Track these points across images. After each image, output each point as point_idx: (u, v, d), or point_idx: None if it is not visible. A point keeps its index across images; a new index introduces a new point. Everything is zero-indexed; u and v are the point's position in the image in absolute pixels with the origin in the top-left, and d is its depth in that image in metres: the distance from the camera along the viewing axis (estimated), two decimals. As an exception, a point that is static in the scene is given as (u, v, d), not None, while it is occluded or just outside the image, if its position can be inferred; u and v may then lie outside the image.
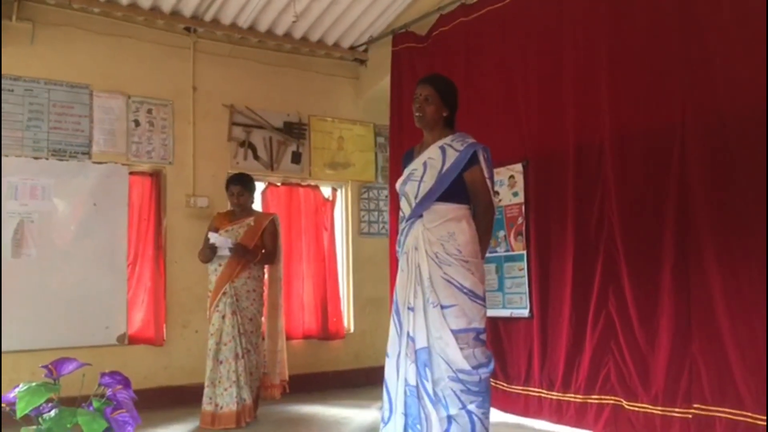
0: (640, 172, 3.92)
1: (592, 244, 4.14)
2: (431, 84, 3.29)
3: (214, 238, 4.73)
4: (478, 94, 4.98)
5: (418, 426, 3.06)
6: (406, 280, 3.18)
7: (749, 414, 3.31)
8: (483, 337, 3.16)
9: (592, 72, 4.20)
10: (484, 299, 3.17)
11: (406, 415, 3.09)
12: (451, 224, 3.14)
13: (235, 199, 4.94)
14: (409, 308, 3.13)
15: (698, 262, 3.58)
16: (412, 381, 3.08)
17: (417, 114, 3.28)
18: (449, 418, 3.04)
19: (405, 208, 3.29)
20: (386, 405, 3.21)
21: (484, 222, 3.25)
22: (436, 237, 3.12)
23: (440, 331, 3.05)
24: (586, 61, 4.26)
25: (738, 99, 3.48)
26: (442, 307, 3.06)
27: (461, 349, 3.04)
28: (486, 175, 3.21)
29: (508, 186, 4.77)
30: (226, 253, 4.70)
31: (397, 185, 3.37)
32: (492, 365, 3.14)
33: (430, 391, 3.04)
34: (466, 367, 3.03)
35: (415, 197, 3.22)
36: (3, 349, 4.78)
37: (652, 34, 3.91)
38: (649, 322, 3.80)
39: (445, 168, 3.17)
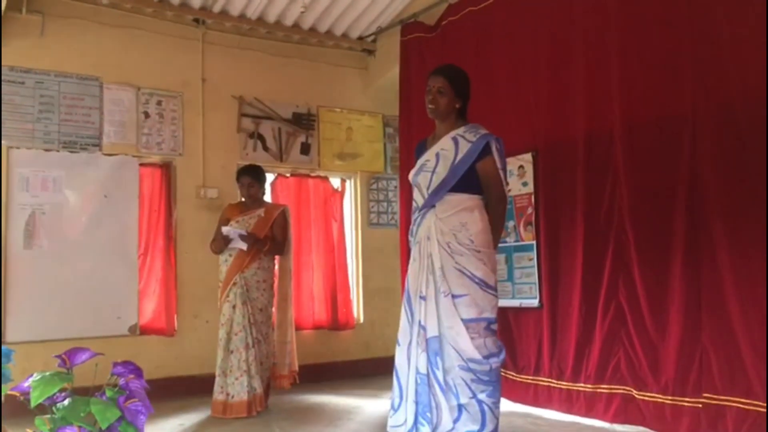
0: (650, 161, 3.90)
1: (602, 233, 4.13)
2: (444, 75, 3.28)
3: (226, 230, 4.75)
4: (488, 83, 4.95)
5: (429, 414, 3.08)
6: (418, 270, 3.19)
7: (760, 403, 3.30)
8: (494, 327, 3.18)
9: (602, 61, 4.17)
10: (495, 289, 3.18)
11: (417, 403, 3.11)
12: (463, 214, 3.15)
13: (245, 190, 4.96)
14: (420, 297, 3.15)
15: (709, 252, 3.56)
16: (423, 369, 3.10)
17: (430, 106, 3.29)
18: (460, 406, 3.05)
19: (418, 199, 3.30)
20: (396, 392, 3.23)
21: (497, 212, 3.26)
22: (449, 227, 3.13)
23: (451, 321, 3.07)
24: (596, 50, 4.23)
25: (748, 87, 3.45)
26: (454, 297, 3.08)
27: (472, 338, 3.06)
28: (499, 165, 3.22)
29: (518, 176, 4.76)
30: (239, 245, 4.72)
31: (410, 176, 3.38)
32: (503, 355, 3.16)
33: (441, 380, 3.06)
34: (477, 356, 3.05)
35: (428, 188, 3.23)
36: (16, 340, 4.82)
37: (662, 23, 3.88)
38: (660, 312, 3.79)
39: (457, 159, 3.18)
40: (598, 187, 4.17)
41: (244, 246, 4.71)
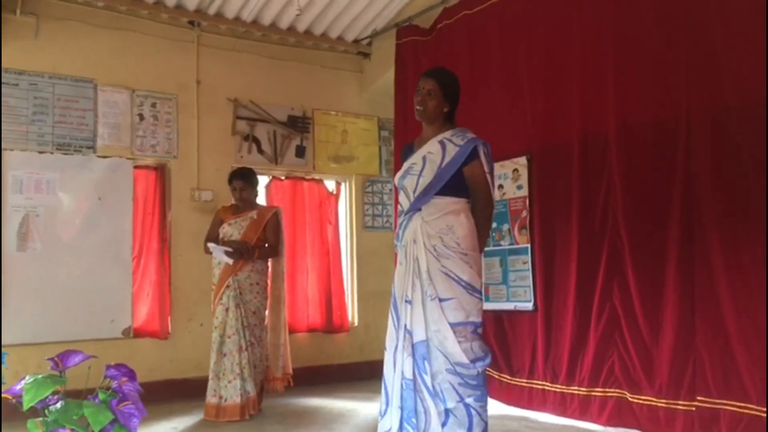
0: (645, 164, 3.91)
1: (597, 237, 4.14)
2: (435, 78, 3.28)
3: (211, 247, 4.75)
4: (483, 87, 4.96)
5: (414, 419, 3.05)
6: (404, 273, 3.18)
7: (754, 407, 3.30)
8: (480, 330, 3.17)
9: (598, 64, 4.19)
10: (481, 293, 3.18)
11: (402, 408, 3.08)
12: (449, 217, 3.14)
13: (237, 194, 4.95)
14: (406, 301, 3.13)
15: (703, 255, 3.57)
16: (409, 374, 3.08)
17: (418, 107, 3.28)
18: (447, 411, 3.03)
19: (404, 202, 3.29)
20: (383, 398, 3.21)
21: (483, 216, 3.25)
22: (435, 230, 3.12)
23: (438, 324, 3.06)
24: (591, 53, 4.25)
25: (743, 91, 3.47)
26: (441, 300, 3.06)
27: (459, 342, 3.04)
28: (486, 170, 3.21)
29: (512, 179, 4.76)
30: (225, 259, 4.71)
31: (396, 179, 3.37)
32: (489, 359, 3.15)
33: (429, 385, 3.04)
34: (464, 360, 3.04)
35: (414, 191, 3.22)
36: (9, 342, 4.80)
37: (658, 26, 3.89)
38: (654, 315, 3.80)
39: (444, 163, 3.17)
40: (593, 191, 4.18)
41: (230, 261, 4.70)
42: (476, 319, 3.12)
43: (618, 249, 4.01)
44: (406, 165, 3.30)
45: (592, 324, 4.13)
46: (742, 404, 3.36)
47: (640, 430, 3.84)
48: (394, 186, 6.01)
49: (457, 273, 3.08)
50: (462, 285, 3.09)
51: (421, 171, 3.20)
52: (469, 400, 3.05)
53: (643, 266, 3.86)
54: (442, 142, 3.21)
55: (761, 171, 3.34)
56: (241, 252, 4.72)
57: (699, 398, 3.55)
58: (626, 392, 3.93)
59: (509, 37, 4.85)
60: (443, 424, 3.03)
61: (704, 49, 3.64)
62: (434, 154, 3.20)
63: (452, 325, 3.05)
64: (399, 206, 3.35)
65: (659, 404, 3.74)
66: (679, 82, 3.74)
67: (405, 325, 3.12)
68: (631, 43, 4.02)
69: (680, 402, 3.64)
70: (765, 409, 3.24)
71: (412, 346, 3.09)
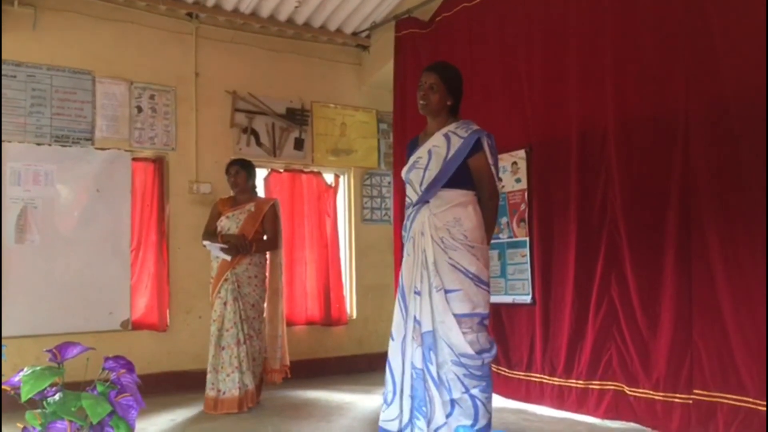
0: (643, 158, 3.91)
1: (595, 230, 4.14)
2: (437, 72, 3.30)
3: (206, 245, 4.75)
4: (482, 79, 4.96)
5: (424, 408, 3.09)
6: (413, 265, 3.21)
7: (751, 399, 3.31)
8: (486, 322, 3.20)
9: (596, 58, 4.18)
10: (488, 285, 3.20)
11: (412, 397, 3.13)
12: (457, 210, 3.17)
13: (232, 178, 4.94)
14: (415, 292, 3.17)
15: (701, 248, 3.57)
16: (419, 364, 3.11)
17: (421, 101, 3.30)
18: (452, 401, 3.06)
19: (411, 195, 3.32)
20: (389, 387, 3.24)
21: (489, 208, 3.28)
22: (443, 222, 3.15)
23: (443, 316, 3.08)
24: (590, 46, 4.24)
25: (742, 86, 3.46)
26: (446, 292, 3.09)
27: (464, 333, 3.07)
28: (490, 161, 3.24)
29: (511, 172, 4.76)
30: (222, 256, 4.70)
31: (403, 173, 3.40)
32: (494, 350, 3.18)
33: (435, 375, 3.07)
34: (470, 351, 3.06)
35: (421, 184, 3.24)
36: (8, 335, 4.80)
37: (656, 20, 3.88)
38: (651, 308, 3.80)
39: (449, 155, 3.19)
40: (592, 184, 4.18)
41: (227, 257, 4.70)
42: (483, 310, 3.15)
43: (616, 243, 4.01)
44: (412, 159, 3.34)
45: (590, 317, 4.13)
46: (739, 397, 3.37)
47: (637, 422, 3.86)
48: (394, 179, 6.04)
49: (464, 265, 3.11)
50: (469, 276, 3.11)
51: (427, 164, 3.22)
52: (475, 392, 3.08)
53: (641, 260, 3.87)
54: (446, 135, 3.23)
55: (759, 166, 3.34)
56: (237, 247, 4.72)
57: (696, 391, 3.56)
58: (624, 385, 3.94)
59: (508, 30, 4.84)
60: (448, 415, 3.06)
61: (703, 44, 3.63)
62: (440, 147, 3.22)
63: (458, 317, 3.07)
64: (407, 199, 3.37)
65: (656, 397, 3.75)
66: (678, 76, 3.74)
67: (414, 316, 3.15)
68: (630, 37, 4.01)
69: (677, 395, 3.65)
70: (763, 402, 3.25)
71: (421, 336, 3.11)
